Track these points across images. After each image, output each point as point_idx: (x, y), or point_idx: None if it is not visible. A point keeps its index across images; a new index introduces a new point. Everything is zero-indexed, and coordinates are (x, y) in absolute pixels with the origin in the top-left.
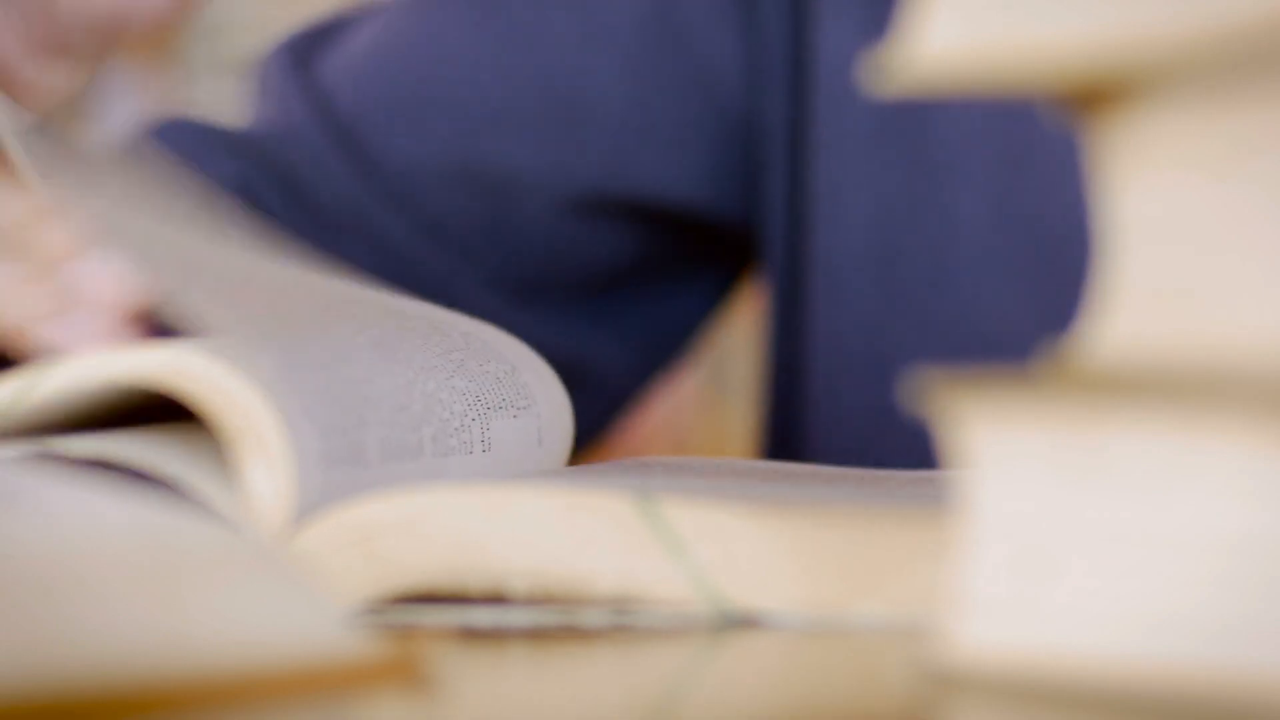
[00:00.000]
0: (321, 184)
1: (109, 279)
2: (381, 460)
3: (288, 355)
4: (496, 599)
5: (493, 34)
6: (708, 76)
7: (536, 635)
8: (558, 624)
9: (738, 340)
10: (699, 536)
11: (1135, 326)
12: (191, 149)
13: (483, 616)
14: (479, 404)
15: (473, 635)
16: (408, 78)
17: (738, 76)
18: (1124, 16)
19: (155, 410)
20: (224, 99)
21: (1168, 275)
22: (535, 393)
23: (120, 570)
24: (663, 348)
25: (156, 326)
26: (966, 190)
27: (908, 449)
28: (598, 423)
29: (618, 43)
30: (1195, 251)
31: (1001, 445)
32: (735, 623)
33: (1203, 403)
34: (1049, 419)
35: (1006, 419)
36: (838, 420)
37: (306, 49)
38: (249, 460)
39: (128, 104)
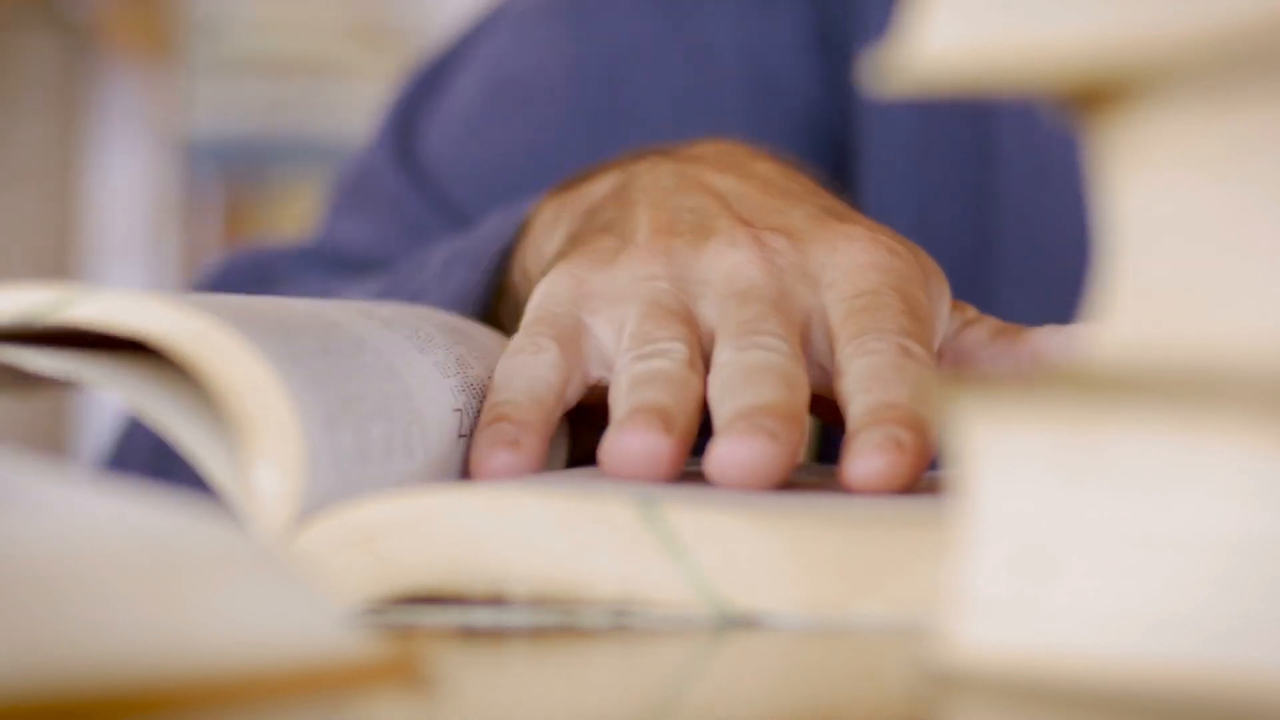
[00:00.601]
0: None
1: None
2: (385, 458)
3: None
4: (497, 601)
5: (597, 115)
6: (804, 112)
7: (536, 635)
8: (558, 624)
9: None
10: (699, 539)
11: (1135, 326)
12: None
13: (483, 616)
14: (479, 399)
15: (473, 635)
16: (514, 160)
17: (824, 102)
18: (1124, 16)
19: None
20: (224, 99)
21: (1168, 275)
22: None
23: (120, 570)
24: None
25: None
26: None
27: None
28: None
29: (722, 109)
30: (1195, 251)
31: (1001, 445)
32: (735, 624)
33: (1203, 403)
34: (1049, 419)
35: (1006, 419)
36: None
37: (406, 132)
38: (259, 456)
39: (128, 104)
